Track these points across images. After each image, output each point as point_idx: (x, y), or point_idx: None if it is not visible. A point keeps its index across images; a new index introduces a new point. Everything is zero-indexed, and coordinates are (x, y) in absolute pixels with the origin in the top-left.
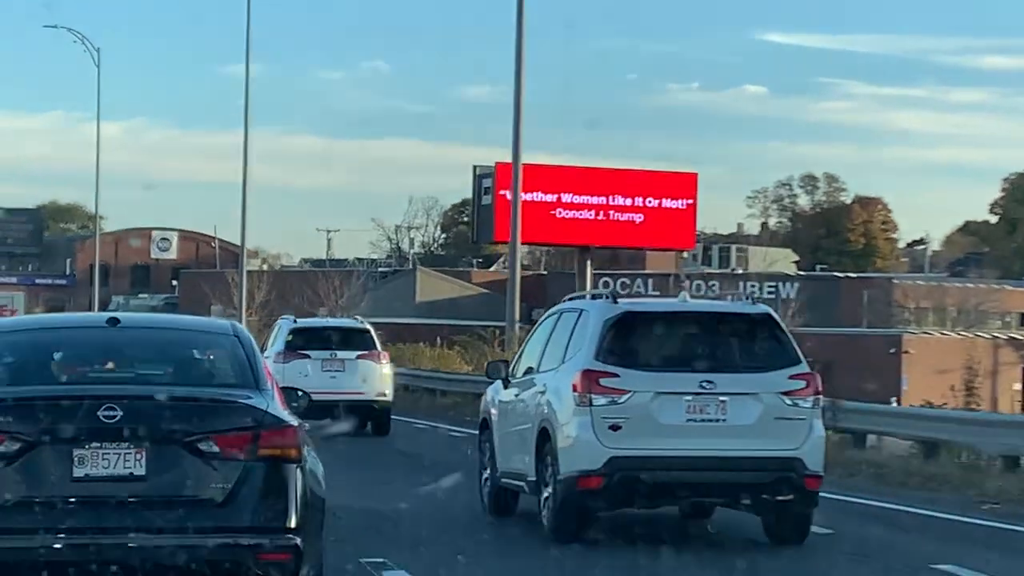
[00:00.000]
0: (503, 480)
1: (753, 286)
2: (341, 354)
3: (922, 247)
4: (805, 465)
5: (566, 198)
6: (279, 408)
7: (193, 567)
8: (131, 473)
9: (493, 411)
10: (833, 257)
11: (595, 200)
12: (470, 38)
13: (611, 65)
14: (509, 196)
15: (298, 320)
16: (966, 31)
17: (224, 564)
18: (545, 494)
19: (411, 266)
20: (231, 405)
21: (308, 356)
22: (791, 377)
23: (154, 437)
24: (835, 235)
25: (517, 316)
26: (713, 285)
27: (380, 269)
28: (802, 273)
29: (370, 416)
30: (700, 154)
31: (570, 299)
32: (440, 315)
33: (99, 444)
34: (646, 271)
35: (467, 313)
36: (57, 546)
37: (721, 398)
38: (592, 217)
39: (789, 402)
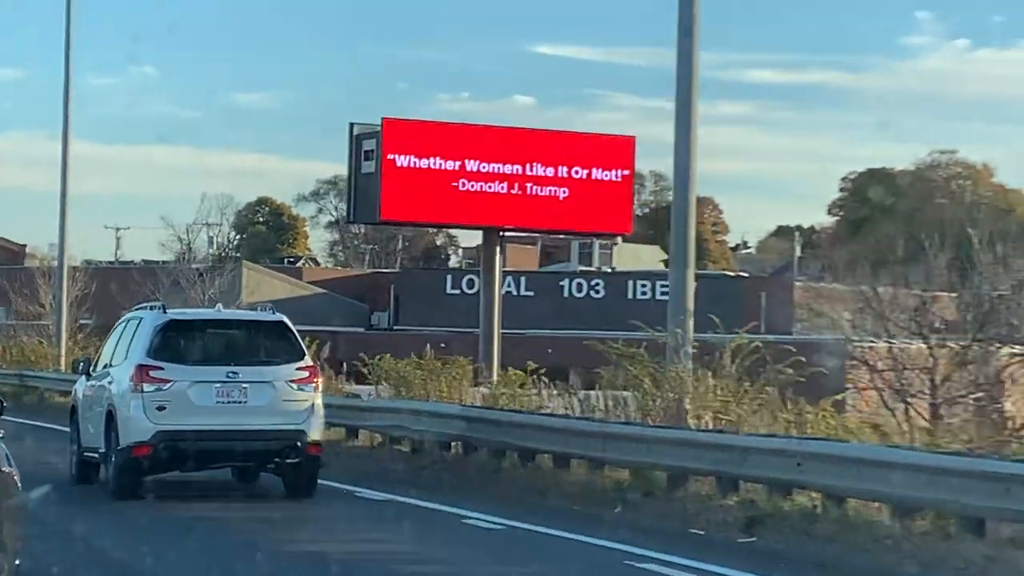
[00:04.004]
0: (85, 454)
1: (644, 284)
2: None
3: (746, 251)
4: (308, 435)
5: (471, 166)
6: None
7: None
8: None
9: (79, 399)
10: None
11: (508, 169)
12: (236, 46)
13: (381, 74)
14: (400, 161)
15: None
16: (729, 47)
17: None
18: (110, 462)
19: (210, 264)
20: None
21: None
22: (297, 369)
23: None
24: (663, 236)
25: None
26: (596, 284)
27: (195, 266)
28: (696, 272)
29: None
30: None
31: (135, 309)
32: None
33: None
34: (513, 269)
35: (307, 316)
36: None
37: (243, 385)
38: (504, 191)
39: (296, 388)
